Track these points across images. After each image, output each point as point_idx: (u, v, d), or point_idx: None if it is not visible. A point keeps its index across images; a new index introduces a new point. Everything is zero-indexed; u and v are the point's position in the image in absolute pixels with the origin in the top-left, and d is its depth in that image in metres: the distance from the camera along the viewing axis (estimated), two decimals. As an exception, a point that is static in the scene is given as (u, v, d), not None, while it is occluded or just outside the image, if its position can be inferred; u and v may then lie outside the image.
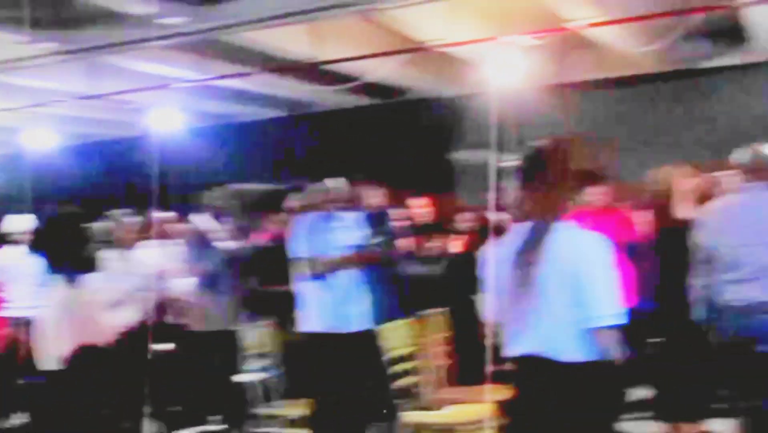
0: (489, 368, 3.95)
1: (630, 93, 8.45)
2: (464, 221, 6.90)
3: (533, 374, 2.81)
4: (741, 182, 4.47)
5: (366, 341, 5.27)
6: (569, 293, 2.73)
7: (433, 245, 6.97)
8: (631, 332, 2.83)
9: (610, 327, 2.69)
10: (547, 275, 2.75)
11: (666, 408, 5.90)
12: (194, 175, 9.39)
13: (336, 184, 5.43)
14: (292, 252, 5.29)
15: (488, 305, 3.03)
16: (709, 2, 6.14)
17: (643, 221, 6.07)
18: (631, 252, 6.02)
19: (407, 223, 6.90)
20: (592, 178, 4.94)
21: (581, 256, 2.75)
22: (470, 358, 4.84)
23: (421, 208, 7.44)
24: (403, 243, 6.71)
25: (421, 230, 7.09)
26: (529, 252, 2.80)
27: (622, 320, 2.70)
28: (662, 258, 5.83)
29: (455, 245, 6.82)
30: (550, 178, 2.86)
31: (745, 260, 4.22)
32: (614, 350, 2.70)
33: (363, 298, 5.33)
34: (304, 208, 5.63)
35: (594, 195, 6.21)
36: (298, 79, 8.72)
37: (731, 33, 7.50)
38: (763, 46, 7.42)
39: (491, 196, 4.57)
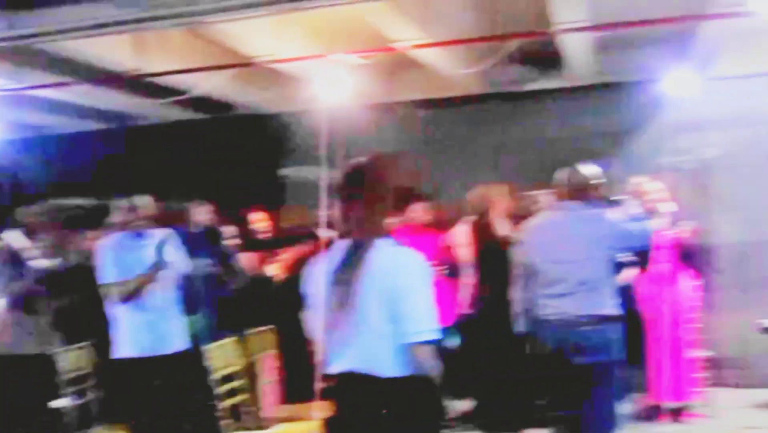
0: (317, 385, 3.93)
1: (455, 114, 8.68)
2: (294, 236, 6.86)
3: (352, 390, 2.81)
4: (558, 201, 4.69)
5: (186, 361, 5.14)
6: (387, 310, 2.74)
7: (265, 261, 6.92)
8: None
9: (427, 342, 2.72)
10: (365, 292, 2.76)
11: (486, 419, 6.08)
12: (8, 189, 8.90)
13: (143, 201, 5.25)
14: (100, 274, 5.08)
15: (311, 322, 3.01)
16: (528, 28, 6.42)
17: (464, 239, 6.28)
18: (452, 269, 6.21)
19: (239, 240, 6.81)
20: (412, 196, 5.04)
21: (398, 273, 2.77)
22: (298, 375, 4.82)
23: (256, 223, 7.36)
24: (235, 260, 6.61)
25: (254, 246, 7.02)
26: (347, 269, 2.80)
27: (438, 335, 2.74)
28: (483, 274, 6.05)
29: (285, 262, 6.78)
30: (369, 195, 2.87)
31: (562, 275, 4.42)
32: (431, 365, 2.74)
33: (178, 318, 5.20)
34: (112, 227, 5.39)
35: (415, 213, 6.37)
36: (122, 91, 8.42)
37: (550, 58, 7.86)
38: (578, 72, 7.82)
39: (321, 213, 4.56)
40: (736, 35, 6.92)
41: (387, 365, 2.75)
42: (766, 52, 8.02)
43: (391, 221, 2.90)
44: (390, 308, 2.73)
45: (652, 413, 6.88)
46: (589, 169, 4.60)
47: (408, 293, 2.73)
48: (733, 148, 8.29)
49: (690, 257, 6.68)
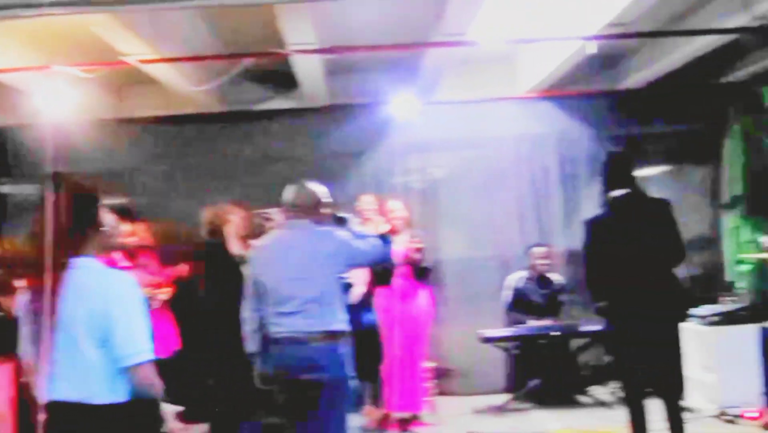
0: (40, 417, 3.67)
1: (189, 131, 8.52)
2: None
3: (64, 420, 2.65)
4: (287, 219, 4.71)
5: None
6: (96, 334, 2.61)
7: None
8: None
9: (143, 363, 2.62)
10: (75, 317, 2.62)
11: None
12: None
13: None
14: None
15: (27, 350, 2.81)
16: (261, 48, 6.44)
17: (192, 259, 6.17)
18: (182, 290, 6.07)
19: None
20: (122, 216, 4.84)
21: (108, 295, 2.65)
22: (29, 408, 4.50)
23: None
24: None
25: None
26: (57, 295, 2.64)
27: (152, 356, 2.64)
28: (212, 293, 5.97)
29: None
30: (72, 216, 2.73)
31: (292, 293, 4.43)
32: (151, 387, 2.64)
33: None
34: None
35: (130, 234, 6.18)
36: None
37: (284, 79, 7.94)
38: (310, 93, 7.96)
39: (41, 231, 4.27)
40: (459, 62, 7.36)
41: (101, 392, 2.62)
42: (485, 79, 8.63)
43: (101, 242, 2.77)
44: (99, 331, 2.60)
45: (382, 424, 7.09)
46: (316, 187, 4.65)
47: (117, 315, 2.62)
48: (457, 169, 8.81)
49: (422, 272, 6.98)
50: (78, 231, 2.75)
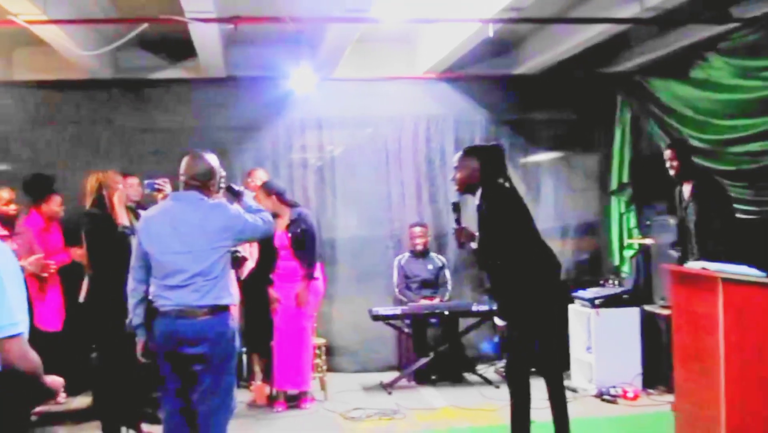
0: None
1: (79, 98, 8.23)
2: None
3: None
4: (177, 191, 4.61)
5: None
6: None
7: None
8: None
9: (11, 337, 2.52)
10: None
11: (105, 414, 5.91)
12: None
13: None
14: None
15: None
16: (158, 15, 6.26)
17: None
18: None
19: None
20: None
21: None
22: None
23: None
24: None
25: None
26: None
27: (22, 329, 2.54)
28: (99, 263, 5.83)
29: None
30: None
31: (178, 266, 4.36)
32: (20, 361, 2.54)
33: None
34: None
35: (7, 202, 6.00)
36: None
37: (180, 48, 7.75)
38: (207, 64, 7.80)
39: None
40: (359, 40, 7.34)
41: None
42: (384, 58, 8.65)
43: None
44: None
45: (270, 401, 7.09)
46: (209, 158, 4.57)
47: None
48: (353, 147, 8.82)
49: (311, 249, 6.95)
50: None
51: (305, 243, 6.90)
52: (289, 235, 6.88)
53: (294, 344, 6.87)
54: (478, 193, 5.23)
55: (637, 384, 7.07)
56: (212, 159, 4.58)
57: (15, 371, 2.52)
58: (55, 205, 6.95)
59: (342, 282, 8.43)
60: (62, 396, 5.83)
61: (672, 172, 6.47)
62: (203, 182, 4.49)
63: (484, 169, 5.23)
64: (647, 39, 7.73)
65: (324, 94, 8.32)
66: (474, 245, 5.39)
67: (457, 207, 5.49)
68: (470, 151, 5.41)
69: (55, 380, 2.71)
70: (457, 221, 5.50)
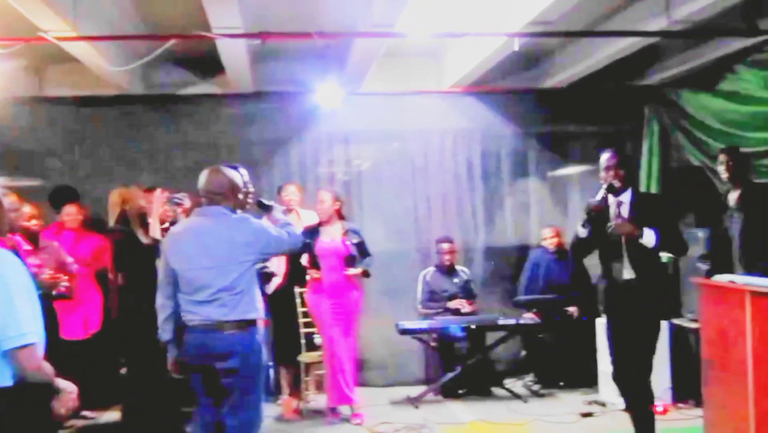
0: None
1: (109, 113, 8.33)
2: None
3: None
4: (202, 206, 4.62)
5: None
6: None
7: None
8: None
9: (24, 347, 2.55)
10: None
11: (138, 426, 5.95)
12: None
13: None
14: None
15: None
16: (186, 31, 6.32)
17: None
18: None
19: None
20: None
21: None
22: None
23: None
24: None
25: None
26: None
27: (36, 339, 2.57)
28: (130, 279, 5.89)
29: None
30: None
31: (204, 282, 4.37)
32: (35, 371, 2.56)
33: None
34: None
35: (31, 216, 6.07)
36: None
37: (209, 64, 7.83)
38: (235, 79, 7.87)
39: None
40: (386, 55, 7.37)
41: None
42: (411, 72, 8.67)
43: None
44: None
45: (297, 414, 7.12)
46: (230, 172, 4.57)
47: None
48: (381, 161, 8.84)
49: (351, 265, 6.97)
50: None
51: (366, 249, 7.03)
52: (351, 243, 6.91)
53: (347, 360, 6.89)
54: (627, 193, 5.32)
55: (667, 398, 7.00)
56: (232, 173, 4.57)
57: (29, 383, 2.55)
58: (65, 214, 7.06)
59: (370, 296, 8.41)
60: (89, 413, 5.88)
61: (724, 177, 6.39)
62: (223, 196, 4.48)
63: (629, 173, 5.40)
64: (676, 52, 7.69)
65: (351, 108, 8.35)
66: (585, 231, 5.42)
67: (612, 190, 5.40)
68: (618, 152, 5.50)
69: (67, 385, 2.73)
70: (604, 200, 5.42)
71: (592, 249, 5.54)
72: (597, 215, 5.35)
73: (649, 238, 5.08)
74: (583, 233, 5.41)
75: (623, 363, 5.38)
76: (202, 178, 4.53)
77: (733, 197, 6.33)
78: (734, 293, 4.92)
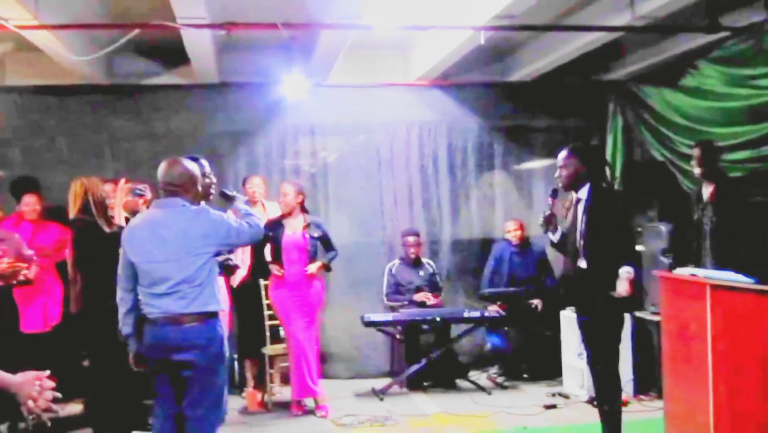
0: None
1: (72, 103, 8.23)
2: None
3: None
4: (161, 198, 4.56)
5: None
6: None
7: None
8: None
9: None
10: None
11: (98, 420, 5.91)
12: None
13: None
14: None
15: None
16: (150, 21, 6.26)
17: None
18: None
19: None
20: None
21: None
22: None
23: None
24: None
25: None
26: None
27: None
28: (88, 271, 5.82)
29: None
30: None
31: (164, 274, 4.33)
32: None
33: None
34: None
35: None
36: None
37: (173, 54, 7.75)
38: (200, 69, 7.80)
39: None
40: (352, 47, 7.35)
41: None
42: (377, 64, 8.66)
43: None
44: None
45: (262, 407, 7.10)
46: (189, 164, 4.52)
47: None
48: (347, 153, 8.83)
49: (313, 256, 6.96)
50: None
51: (330, 243, 7.09)
52: (310, 236, 6.90)
53: (311, 352, 6.87)
54: (584, 189, 5.28)
55: (629, 390, 7.06)
56: (191, 165, 4.53)
57: None
58: (24, 205, 6.99)
59: (335, 289, 8.43)
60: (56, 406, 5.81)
61: (697, 171, 6.42)
62: (181, 188, 4.44)
63: (590, 168, 5.32)
64: (639, 47, 7.76)
65: (317, 100, 8.34)
66: (555, 236, 5.47)
67: (555, 194, 5.48)
68: (575, 150, 5.44)
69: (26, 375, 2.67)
70: (550, 207, 5.49)
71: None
72: (555, 218, 5.44)
73: (629, 273, 5.13)
74: (555, 238, 5.49)
75: (592, 350, 5.45)
76: (161, 170, 4.48)
77: (706, 192, 6.36)
78: (695, 287, 4.98)
